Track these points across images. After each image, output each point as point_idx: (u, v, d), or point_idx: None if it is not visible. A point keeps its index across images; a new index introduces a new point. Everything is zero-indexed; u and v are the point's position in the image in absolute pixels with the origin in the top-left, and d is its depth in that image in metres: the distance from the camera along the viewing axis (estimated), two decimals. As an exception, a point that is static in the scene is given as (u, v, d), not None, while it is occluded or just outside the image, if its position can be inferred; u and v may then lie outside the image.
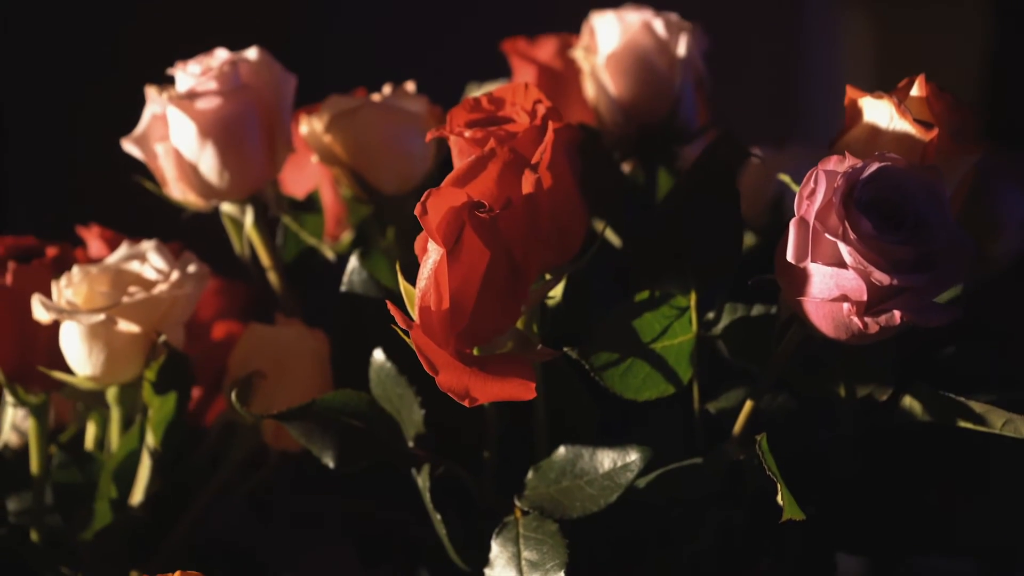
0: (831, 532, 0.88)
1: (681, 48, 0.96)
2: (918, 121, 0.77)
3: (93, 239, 0.99)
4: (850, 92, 0.80)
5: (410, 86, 0.97)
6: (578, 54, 0.99)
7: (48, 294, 0.87)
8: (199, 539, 1.01)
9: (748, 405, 0.80)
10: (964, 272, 0.71)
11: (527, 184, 0.74)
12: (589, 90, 0.98)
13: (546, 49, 1.05)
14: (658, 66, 0.97)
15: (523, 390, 0.72)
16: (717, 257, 0.81)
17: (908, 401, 0.80)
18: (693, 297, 0.82)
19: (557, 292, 0.87)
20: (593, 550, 0.85)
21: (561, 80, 1.04)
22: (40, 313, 0.85)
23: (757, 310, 0.81)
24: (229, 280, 1.10)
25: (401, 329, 0.72)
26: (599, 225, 0.93)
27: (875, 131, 0.79)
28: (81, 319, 0.84)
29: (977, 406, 0.77)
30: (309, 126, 0.95)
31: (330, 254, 0.98)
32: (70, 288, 0.86)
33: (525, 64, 1.05)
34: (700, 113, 1.02)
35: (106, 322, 0.84)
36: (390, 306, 0.72)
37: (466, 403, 0.71)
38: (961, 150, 0.79)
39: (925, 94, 0.79)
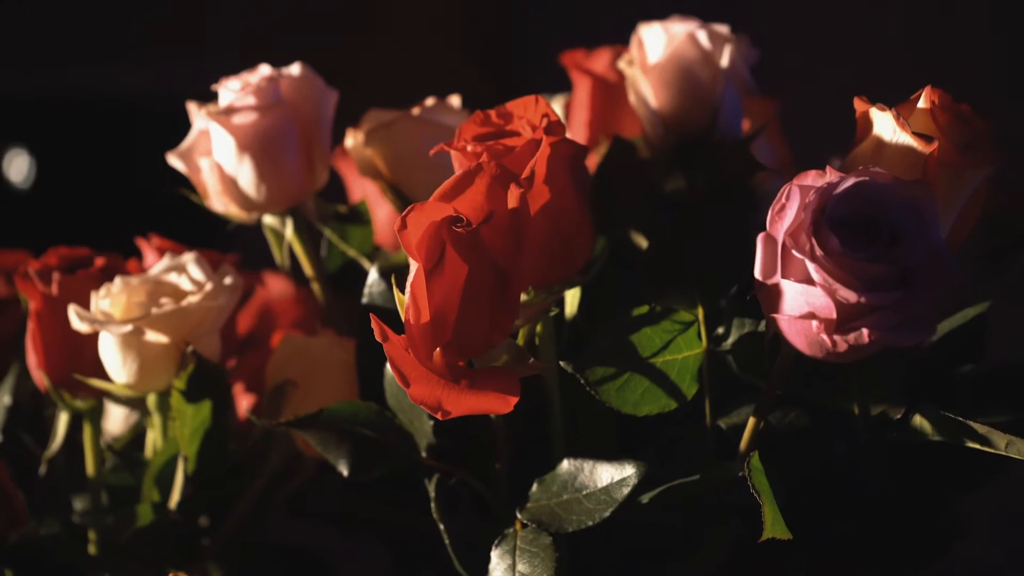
0: (856, 549, 0.87)
1: (724, 59, 0.95)
2: (918, 134, 0.75)
3: (150, 250, 1.02)
4: (858, 103, 0.79)
5: (455, 100, 0.98)
6: (622, 65, 0.98)
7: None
8: (258, 543, 1.04)
9: (751, 422, 0.79)
10: (946, 289, 0.69)
11: (512, 198, 0.74)
12: (631, 101, 0.97)
13: (601, 60, 1.05)
14: (701, 77, 0.96)
15: (500, 404, 0.73)
16: (722, 272, 0.81)
17: (919, 420, 0.78)
18: (700, 312, 0.81)
19: (573, 304, 0.87)
20: (598, 564, 0.85)
21: (615, 91, 1.04)
22: (76, 322, 0.89)
23: (764, 325, 0.80)
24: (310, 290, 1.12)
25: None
26: (638, 238, 0.93)
27: (880, 144, 0.77)
28: (112, 329, 0.87)
29: (980, 427, 0.75)
30: (354, 139, 0.97)
31: (368, 265, 1.00)
32: (107, 299, 0.89)
33: (581, 76, 1.05)
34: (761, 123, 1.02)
35: (135, 332, 0.87)
36: (372, 319, 0.73)
37: (439, 416, 0.72)
38: (970, 163, 0.76)
39: (929, 106, 0.76)
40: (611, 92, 1.04)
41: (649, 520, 0.85)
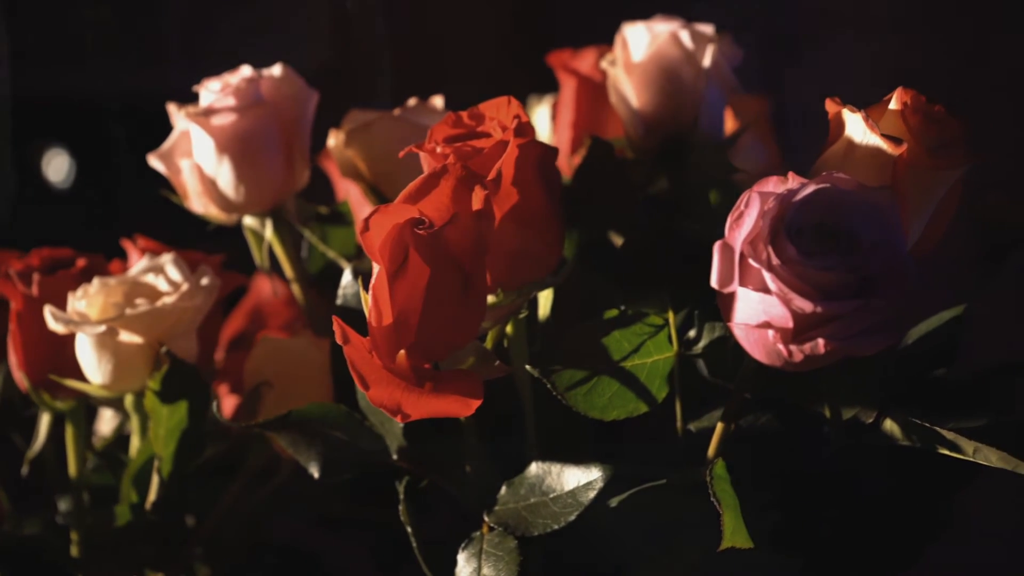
0: (838, 552, 0.86)
1: (707, 59, 0.95)
2: (887, 136, 0.74)
3: (134, 251, 1.02)
4: (829, 104, 0.78)
5: (437, 101, 0.98)
6: (605, 64, 0.98)
7: (73, 305, 0.91)
8: (247, 540, 1.04)
9: (719, 427, 0.79)
10: (906, 298, 0.68)
11: (477, 200, 0.74)
12: (613, 100, 0.97)
13: (587, 60, 1.05)
14: (683, 77, 0.95)
15: (461, 407, 0.72)
16: (694, 275, 0.80)
17: (889, 424, 0.78)
18: (671, 316, 0.80)
19: (546, 306, 0.87)
20: (577, 569, 0.85)
21: (601, 91, 1.03)
22: (51, 323, 0.89)
23: (733, 330, 0.80)
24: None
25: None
26: (616, 239, 0.93)
27: (851, 146, 0.76)
28: (86, 330, 0.87)
29: (948, 434, 0.75)
30: (335, 139, 0.96)
31: (346, 266, 0.99)
32: (84, 300, 0.90)
33: (567, 76, 1.05)
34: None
35: (110, 332, 0.87)
36: (335, 320, 0.73)
37: (399, 419, 0.72)
38: (941, 164, 0.75)
39: (900, 107, 0.76)
40: (597, 92, 1.04)
41: (624, 523, 0.84)
